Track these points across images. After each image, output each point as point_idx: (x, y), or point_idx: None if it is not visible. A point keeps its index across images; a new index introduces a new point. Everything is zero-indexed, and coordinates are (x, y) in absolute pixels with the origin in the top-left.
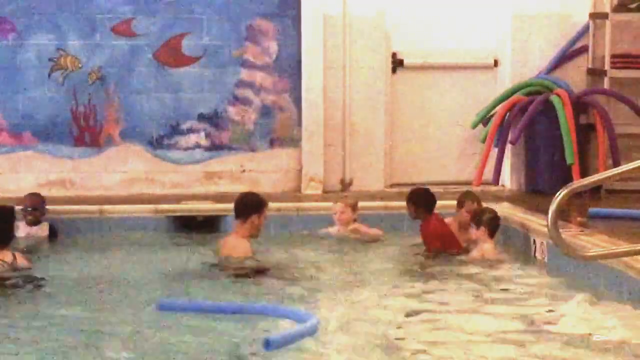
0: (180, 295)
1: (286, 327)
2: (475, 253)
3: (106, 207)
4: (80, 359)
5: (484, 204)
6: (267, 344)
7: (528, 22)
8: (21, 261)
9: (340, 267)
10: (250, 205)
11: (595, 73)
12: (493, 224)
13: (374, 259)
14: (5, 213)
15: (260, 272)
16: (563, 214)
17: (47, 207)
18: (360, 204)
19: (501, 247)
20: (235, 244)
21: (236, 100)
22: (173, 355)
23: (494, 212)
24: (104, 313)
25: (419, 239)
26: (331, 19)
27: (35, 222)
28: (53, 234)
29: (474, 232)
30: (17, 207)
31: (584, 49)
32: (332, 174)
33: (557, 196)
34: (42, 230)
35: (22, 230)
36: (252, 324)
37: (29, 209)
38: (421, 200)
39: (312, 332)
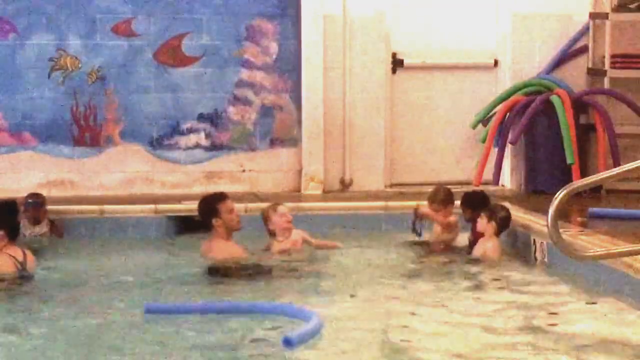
0: (179, 296)
1: (279, 323)
2: (477, 251)
3: (106, 207)
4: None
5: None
6: (288, 342)
7: (528, 22)
8: (30, 263)
9: (340, 267)
10: (202, 214)
11: (595, 73)
12: (503, 222)
13: (373, 259)
14: (11, 205)
15: (257, 272)
16: (563, 214)
17: (47, 207)
18: (360, 204)
19: (503, 247)
20: (222, 247)
21: (236, 100)
22: (164, 357)
23: (508, 212)
24: (99, 314)
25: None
26: (331, 19)
27: (37, 221)
28: (58, 232)
29: (483, 224)
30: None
31: (584, 49)
32: (332, 174)
33: (557, 196)
34: (44, 228)
35: (24, 229)
36: (242, 323)
37: (29, 201)
38: (476, 202)
39: (321, 326)
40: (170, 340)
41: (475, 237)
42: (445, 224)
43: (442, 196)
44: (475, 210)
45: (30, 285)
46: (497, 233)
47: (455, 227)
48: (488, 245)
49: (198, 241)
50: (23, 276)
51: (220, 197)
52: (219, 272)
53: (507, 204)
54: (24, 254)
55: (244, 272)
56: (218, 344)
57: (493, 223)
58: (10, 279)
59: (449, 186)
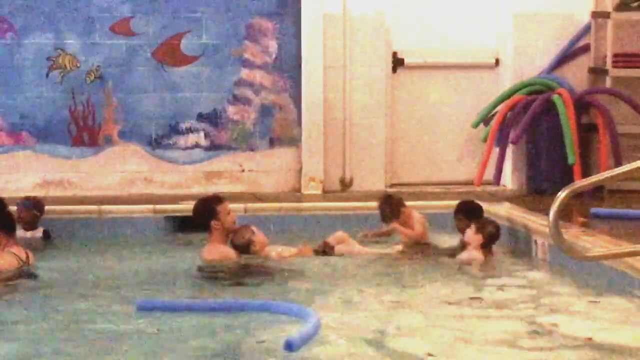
0: (177, 296)
1: (272, 321)
2: (464, 256)
3: (105, 207)
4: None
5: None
6: (290, 346)
7: (529, 20)
8: (32, 261)
9: (339, 268)
10: (201, 216)
11: (597, 72)
12: (490, 238)
13: (371, 259)
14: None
15: (255, 272)
16: (564, 214)
17: (40, 212)
18: (360, 204)
19: (502, 247)
20: (220, 249)
21: (236, 99)
22: (157, 356)
23: (497, 228)
24: (95, 312)
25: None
26: (331, 18)
27: (32, 226)
28: (47, 238)
29: (470, 235)
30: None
31: (585, 48)
32: (332, 174)
33: (559, 196)
34: (37, 234)
35: (17, 233)
36: (235, 322)
37: (23, 201)
38: (474, 212)
39: (319, 327)
40: (167, 339)
41: (463, 245)
42: (403, 223)
43: (387, 213)
44: (471, 220)
45: (30, 283)
46: (483, 246)
47: (418, 221)
48: (475, 255)
49: (196, 241)
50: (24, 274)
51: (218, 199)
52: (216, 273)
53: (508, 204)
54: (26, 253)
55: (241, 273)
56: (212, 342)
57: (480, 236)
58: (12, 276)
59: (449, 186)
